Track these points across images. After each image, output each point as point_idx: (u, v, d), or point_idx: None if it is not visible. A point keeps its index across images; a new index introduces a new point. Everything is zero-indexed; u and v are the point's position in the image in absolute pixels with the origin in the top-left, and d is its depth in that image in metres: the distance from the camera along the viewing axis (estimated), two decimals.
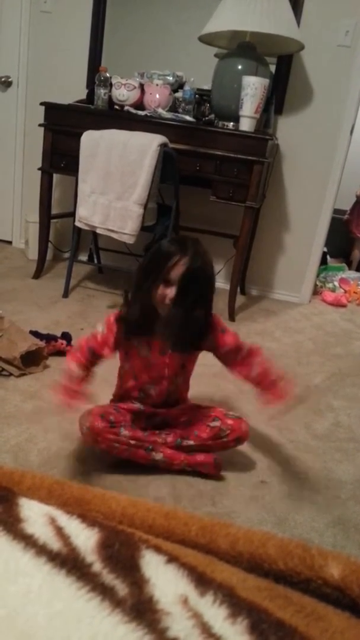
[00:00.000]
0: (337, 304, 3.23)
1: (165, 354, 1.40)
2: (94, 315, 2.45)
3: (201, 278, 1.29)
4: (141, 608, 0.36)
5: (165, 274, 1.27)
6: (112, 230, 2.42)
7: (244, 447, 1.58)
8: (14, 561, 0.39)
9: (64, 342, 2.01)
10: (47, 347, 1.94)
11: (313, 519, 1.35)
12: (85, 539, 0.42)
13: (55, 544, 0.41)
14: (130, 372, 1.45)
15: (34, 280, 2.85)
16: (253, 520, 1.31)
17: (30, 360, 1.85)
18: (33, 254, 3.03)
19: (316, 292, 3.34)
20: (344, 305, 3.24)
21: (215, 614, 0.37)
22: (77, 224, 2.52)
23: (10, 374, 1.80)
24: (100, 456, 1.44)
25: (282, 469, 1.53)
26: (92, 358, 1.35)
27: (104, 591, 0.37)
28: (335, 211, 3.17)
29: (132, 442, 1.35)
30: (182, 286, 1.26)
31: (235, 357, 1.41)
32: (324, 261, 3.59)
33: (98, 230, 2.49)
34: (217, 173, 2.50)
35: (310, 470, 1.55)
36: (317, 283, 3.40)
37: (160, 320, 1.36)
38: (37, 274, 2.88)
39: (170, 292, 1.27)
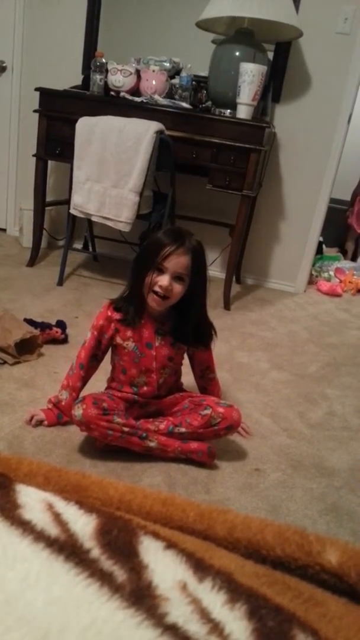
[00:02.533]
0: (332, 294, 3.23)
1: (152, 347, 1.41)
2: (88, 304, 2.44)
3: (201, 268, 1.34)
4: (140, 594, 0.36)
5: (160, 262, 1.30)
6: (108, 218, 2.41)
7: (238, 436, 1.58)
8: (12, 547, 0.39)
9: (59, 330, 2.01)
10: (42, 335, 1.93)
11: (306, 506, 1.36)
12: (83, 525, 0.42)
13: (53, 530, 0.41)
14: (119, 366, 1.46)
15: (28, 268, 2.83)
16: (247, 508, 1.32)
17: (25, 348, 1.85)
18: (27, 241, 3.01)
19: (311, 281, 3.34)
20: (339, 295, 3.25)
21: (214, 599, 0.37)
22: (72, 211, 2.50)
23: (5, 362, 1.80)
24: (94, 444, 1.44)
25: (276, 457, 1.54)
26: (90, 362, 1.44)
27: (103, 577, 0.37)
28: (332, 200, 3.17)
29: (126, 429, 1.35)
30: (184, 276, 1.32)
31: (201, 373, 1.57)
32: (319, 251, 3.59)
33: (93, 218, 2.47)
34: (214, 161, 2.48)
35: (304, 458, 1.56)
36: (313, 272, 3.40)
37: (150, 313, 1.38)
38: (32, 262, 2.86)
39: (162, 280, 1.30)
